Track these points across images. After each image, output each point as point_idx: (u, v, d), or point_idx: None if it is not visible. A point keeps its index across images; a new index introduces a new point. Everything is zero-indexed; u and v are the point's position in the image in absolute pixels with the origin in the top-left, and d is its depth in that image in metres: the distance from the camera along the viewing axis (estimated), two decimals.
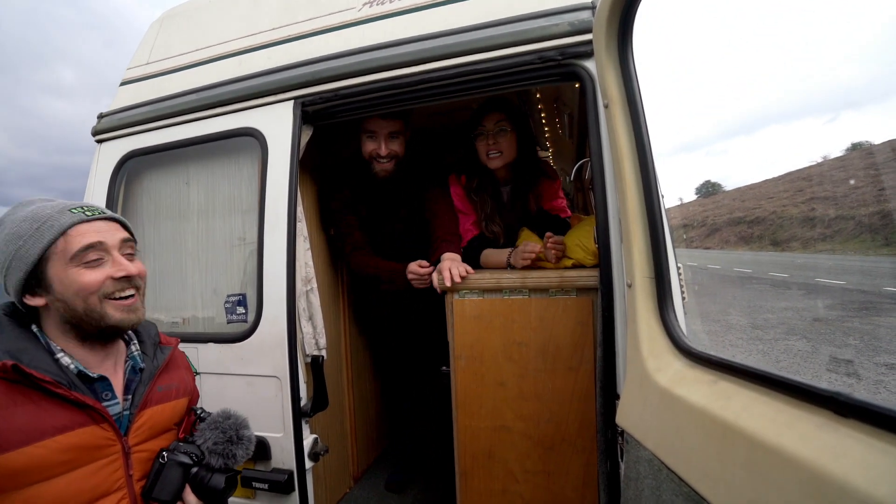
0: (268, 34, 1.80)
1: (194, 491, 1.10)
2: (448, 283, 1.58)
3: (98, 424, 0.99)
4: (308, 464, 1.56)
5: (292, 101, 1.66)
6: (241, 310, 1.67)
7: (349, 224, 2.14)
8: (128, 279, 1.03)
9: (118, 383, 1.08)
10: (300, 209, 1.66)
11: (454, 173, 2.11)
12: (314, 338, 1.70)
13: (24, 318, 1.02)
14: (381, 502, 2.23)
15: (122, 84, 2.06)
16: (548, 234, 1.65)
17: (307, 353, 1.67)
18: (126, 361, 1.13)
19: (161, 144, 1.86)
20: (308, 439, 1.58)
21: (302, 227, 1.68)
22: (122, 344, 1.14)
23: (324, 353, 1.71)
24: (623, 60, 1.10)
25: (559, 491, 1.51)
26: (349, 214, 2.14)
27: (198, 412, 1.21)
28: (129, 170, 1.95)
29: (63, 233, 0.99)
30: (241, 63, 1.81)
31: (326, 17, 1.73)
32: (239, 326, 1.65)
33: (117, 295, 1.02)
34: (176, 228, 1.90)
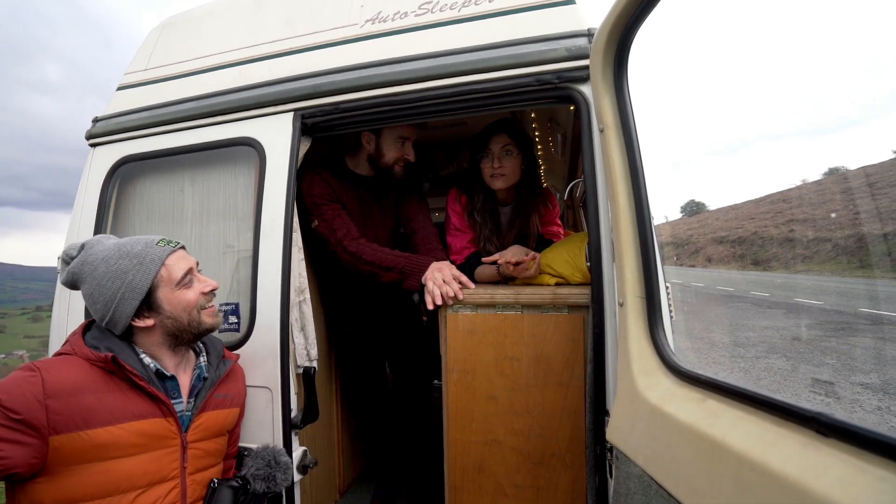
0: (270, 46, 1.82)
1: None
2: (450, 303, 1.61)
3: (165, 418, 1.19)
4: (296, 476, 1.54)
5: (292, 113, 1.68)
6: (233, 319, 1.66)
7: (336, 210, 1.97)
8: (213, 292, 1.32)
9: (185, 387, 1.28)
10: (296, 220, 1.67)
11: (455, 189, 2.14)
12: (306, 349, 1.69)
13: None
14: None
15: (120, 88, 2.05)
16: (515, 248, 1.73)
17: (298, 364, 1.66)
18: (194, 370, 1.33)
19: (157, 151, 1.85)
20: (297, 451, 1.56)
21: (297, 238, 1.69)
22: (192, 355, 1.36)
23: (315, 364, 1.70)
24: (618, 87, 1.15)
25: None
26: (335, 202, 1.99)
27: (244, 451, 1.44)
28: (122, 175, 1.94)
29: (163, 263, 1.23)
30: (241, 73, 1.82)
31: (328, 31, 1.75)
32: (231, 336, 1.64)
33: (206, 305, 1.30)
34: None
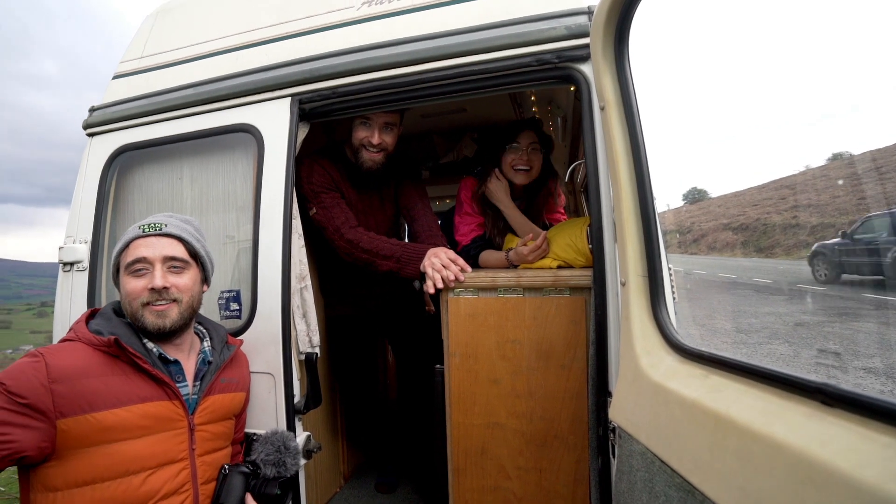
0: (265, 31, 1.80)
1: (255, 499, 1.30)
2: (451, 286, 1.61)
3: (171, 400, 1.19)
4: (301, 461, 1.55)
5: (289, 98, 1.66)
6: (234, 306, 1.66)
7: (335, 199, 1.95)
8: (160, 291, 1.21)
9: (189, 370, 1.29)
10: (295, 206, 1.66)
11: (471, 177, 2.15)
12: (308, 335, 1.69)
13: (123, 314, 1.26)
14: (372, 502, 2.22)
15: (115, 77, 2.03)
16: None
17: (301, 350, 1.66)
18: (199, 354, 1.34)
19: (154, 139, 1.84)
20: (301, 437, 1.57)
21: (297, 225, 1.68)
22: (196, 339, 1.36)
23: (317, 350, 1.71)
24: (619, 64, 1.13)
25: (550, 487, 1.53)
26: (334, 191, 1.97)
27: (252, 436, 1.45)
28: (120, 164, 1.93)
29: (126, 245, 1.24)
30: (237, 59, 1.80)
31: (324, 15, 1.73)
32: (233, 323, 1.64)
33: (151, 302, 1.21)
34: None
